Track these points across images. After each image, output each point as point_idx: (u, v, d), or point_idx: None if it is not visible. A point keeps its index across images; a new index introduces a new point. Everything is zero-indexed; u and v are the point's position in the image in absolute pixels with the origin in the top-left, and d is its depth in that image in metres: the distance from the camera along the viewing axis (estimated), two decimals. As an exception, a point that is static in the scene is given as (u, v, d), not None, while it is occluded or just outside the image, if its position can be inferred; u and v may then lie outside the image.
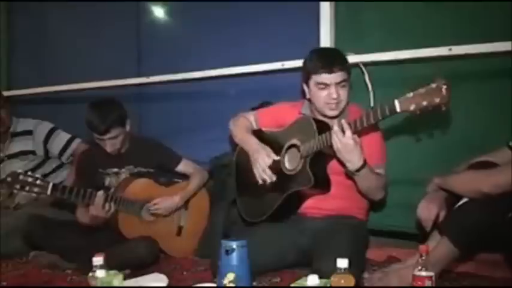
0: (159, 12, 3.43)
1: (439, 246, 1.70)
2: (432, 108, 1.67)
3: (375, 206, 2.32)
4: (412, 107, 1.69)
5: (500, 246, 1.80)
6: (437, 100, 1.65)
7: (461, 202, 1.72)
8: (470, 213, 1.65)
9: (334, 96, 1.99)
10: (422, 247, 1.50)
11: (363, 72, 2.43)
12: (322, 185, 2.03)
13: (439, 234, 1.77)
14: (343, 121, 1.85)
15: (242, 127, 2.32)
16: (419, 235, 2.15)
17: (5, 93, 3.20)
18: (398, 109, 1.72)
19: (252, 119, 2.36)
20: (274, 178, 2.11)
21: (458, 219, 1.69)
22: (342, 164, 1.92)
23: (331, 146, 1.88)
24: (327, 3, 2.54)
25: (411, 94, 1.70)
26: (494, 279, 1.97)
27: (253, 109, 2.70)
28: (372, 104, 2.39)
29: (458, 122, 2.30)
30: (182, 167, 2.63)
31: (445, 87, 1.64)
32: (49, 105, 3.70)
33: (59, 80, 3.55)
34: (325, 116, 2.08)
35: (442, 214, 1.83)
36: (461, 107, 2.29)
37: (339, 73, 2.00)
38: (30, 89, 3.70)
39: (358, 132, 1.86)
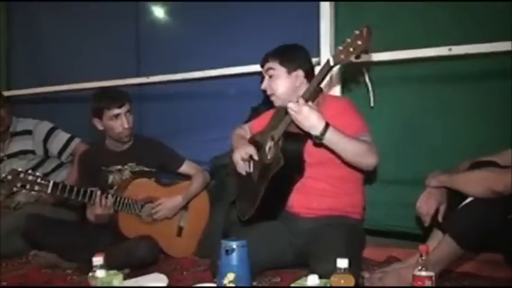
0: (158, 12, 3.43)
1: (441, 245, 1.70)
2: (359, 52, 1.75)
3: (375, 205, 2.32)
4: (342, 57, 1.78)
5: (502, 246, 1.80)
6: (359, 43, 1.73)
7: (466, 201, 1.72)
8: (476, 211, 1.65)
9: (262, 87, 2.17)
10: (422, 247, 1.50)
11: (363, 72, 2.43)
12: (294, 164, 2.03)
13: (441, 232, 1.78)
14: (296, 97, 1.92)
15: (238, 136, 2.37)
16: (419, 235, 2.16)
17: (5, 93, 3.20)
18: (332, 63, 1.82)
19: (246, 128, 2.43)
20: (248, 169, 2.18)
21: (463, 217, 1.69)
22: (309, 135, 1.88)
23: (294, 123, 1.89)
24: (327, 3, 2.54)
25: (340, 47, 1.79)
26: (494, 279, 1.97)
27: (253, 109, 2.71)
28: (371, 104, 2.39)
29: (458, 121, 2.30)
30: (185, 168, 2.63)
31: (365, 29, 1.72)
32: (48, 105, 3.70)
33: (58, 80, 3.56)
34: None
35: (442, 209, 1.84)
36: (461, 106, 2.30)
37: (266, 64, 2.15)
38: (30, 89, 3.71)
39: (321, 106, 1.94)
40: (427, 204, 1.84)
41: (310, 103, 1.85)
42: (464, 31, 2.24)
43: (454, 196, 1.79)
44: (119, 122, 2.40)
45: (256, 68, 2.75)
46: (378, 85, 2.41)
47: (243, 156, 2.17)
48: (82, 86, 3.40)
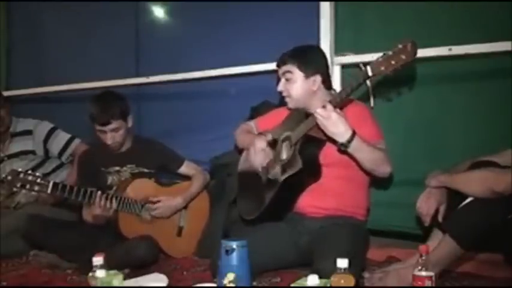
0: (158, 12, 3.42)
1: (441, 245, 1.71)
2: (401, 66, 1.75)
3: (375, 205, 2.32)
4: (382, 68, 1.77)
5: (502, 246, 1.80)
6: (403, 57, 1.74)
7: (466, 201, 1.72)
8: (476, 211, 1.66)
9: (279, 88, 2.13)
10: (422, 247, 1.50)
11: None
12: (311, 169, 2.02)
13: (441, 232, 1.78)
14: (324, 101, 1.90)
15: (243, 132, 2.37)
16: (419, 235, 2.16)
17: (4, 93, 3.19)
18: (370, 73, 1.79)
19: (252, 125, 2.41)
20: (266, 161, 2.13)
21: (463, 217, 1.69)
22: (332, 140, 1.89)
23: (318, 128, 1.88)
24: (327, 3, 2.54)
25: (380, 58, 1.78)
26: (494, 279, 1.97)
27: (253, 108, 2.71)
28: (372, 104, 2.39)
29: (458, 121, 2.30)
30: (184, 168, 2.64)
31: (410, 44, 1.73)
32: (48, 105, 3.69)
33: (58, 80, 3.55)
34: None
35: (442, 209, 1.84)
36: (461, 106, 2.30)
37: (283, 66, 2.11)
38: (29, 89, 3.70)
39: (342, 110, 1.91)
40: (427, 204, 1.84)
41: (338, 110, 1.84)
42: (464, 31, 2.24)
43: (454, 196, 1.80)
44: (103, 135, 2.41)
45: (256, 68, 2.77)
46: (378, 85, 2.41)
47: (263, 146, 2.13)
48: (82, 86, 3.40)
